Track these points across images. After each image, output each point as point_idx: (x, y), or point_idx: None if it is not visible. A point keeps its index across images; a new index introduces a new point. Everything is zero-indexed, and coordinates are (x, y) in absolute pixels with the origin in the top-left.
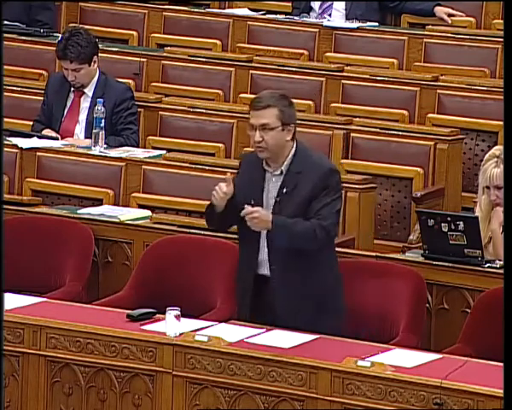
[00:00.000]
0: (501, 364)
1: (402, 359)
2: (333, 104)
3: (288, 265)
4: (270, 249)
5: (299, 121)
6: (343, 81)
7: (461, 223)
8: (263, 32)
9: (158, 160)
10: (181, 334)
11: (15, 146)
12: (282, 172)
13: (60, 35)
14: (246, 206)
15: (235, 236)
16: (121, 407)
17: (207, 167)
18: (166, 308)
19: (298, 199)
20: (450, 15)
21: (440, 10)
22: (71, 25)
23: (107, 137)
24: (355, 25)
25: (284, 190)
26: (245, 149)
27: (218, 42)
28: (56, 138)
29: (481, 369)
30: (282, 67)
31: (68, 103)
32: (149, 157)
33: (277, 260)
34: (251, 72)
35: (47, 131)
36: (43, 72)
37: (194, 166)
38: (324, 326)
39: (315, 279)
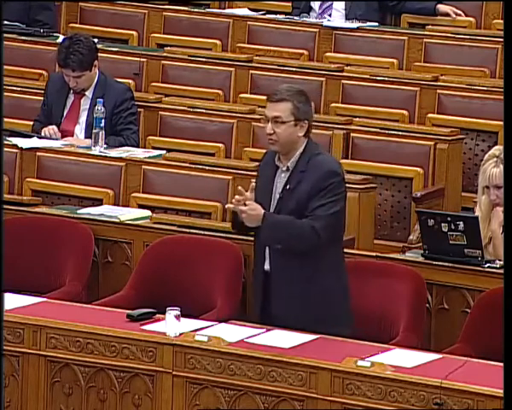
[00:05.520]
0: (501, 364)
1: (402, 359)
2: (333, 104)
3: (286, 262)
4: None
5: None
6: (343, 81)
7: (461, 223)
8: (263, 32)
9: (158, 160)
10: (181, 334)
11: (15, 146)
12: (288, 169)
13: (60, 35)
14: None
15: (236, 236)
16: (121, 407)
17: (207, 167)
18: (166, 308)
19: (298, 197)
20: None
21: (444, 6)
22: (70, 28)
23: (107, 137)
24: (355, 25)
25: (288, 187)
26: (245, 149)
27: (218, 42)
28: (56, 138)
29: (481, 369)
30: (282, 67)
31: (68, 104)
32: (149, 157)
33: (276, 255)
34: (251, 72)
35: (48, 128)
36: (43, 72)
37: (194, 166)
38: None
39: (318, 283)
